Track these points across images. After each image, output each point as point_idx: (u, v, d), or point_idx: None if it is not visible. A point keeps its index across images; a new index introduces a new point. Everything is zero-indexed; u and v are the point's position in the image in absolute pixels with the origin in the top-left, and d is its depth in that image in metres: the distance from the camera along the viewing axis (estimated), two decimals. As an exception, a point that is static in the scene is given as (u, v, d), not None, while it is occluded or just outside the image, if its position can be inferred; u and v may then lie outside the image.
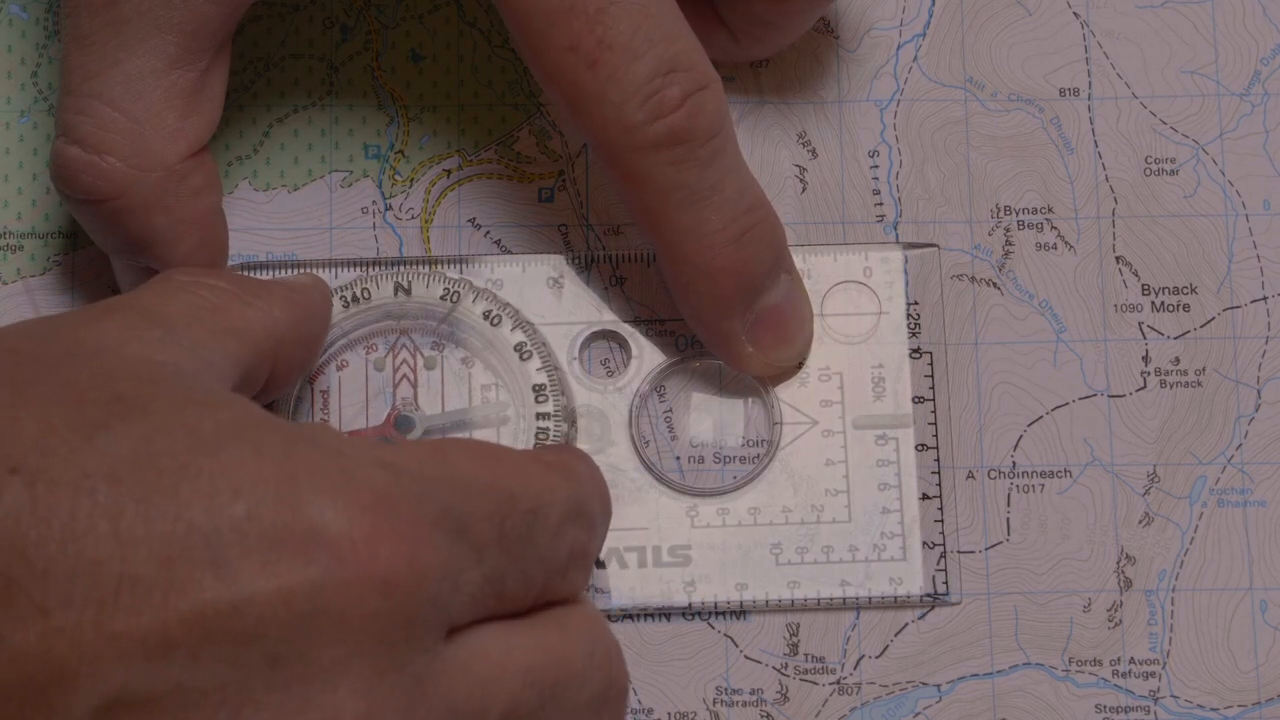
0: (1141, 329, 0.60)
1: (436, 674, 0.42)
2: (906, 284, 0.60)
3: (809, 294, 0.59)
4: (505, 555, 0.44)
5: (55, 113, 0.55)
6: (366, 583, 0.40)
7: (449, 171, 0.60)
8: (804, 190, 0.60)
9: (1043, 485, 0.59)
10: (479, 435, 0.58)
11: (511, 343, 0.57)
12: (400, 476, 0.42)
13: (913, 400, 0.59)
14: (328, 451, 0.42)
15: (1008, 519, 0.59)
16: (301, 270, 0.58)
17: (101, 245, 0.55)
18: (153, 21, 0.52)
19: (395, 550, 0.41)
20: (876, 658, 0.58)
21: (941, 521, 0.58)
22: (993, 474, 0.59)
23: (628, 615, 0.58)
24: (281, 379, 0.52)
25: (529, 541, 0.45)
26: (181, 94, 0.53)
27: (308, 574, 0.40)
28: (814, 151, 0.61)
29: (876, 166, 0.61)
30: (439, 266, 0.59)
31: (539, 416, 0.57)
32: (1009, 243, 0.60)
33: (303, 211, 0.60)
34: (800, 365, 0.58)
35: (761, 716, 0.57)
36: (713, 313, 0.55)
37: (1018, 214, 0.60)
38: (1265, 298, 0.60)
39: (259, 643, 0.39)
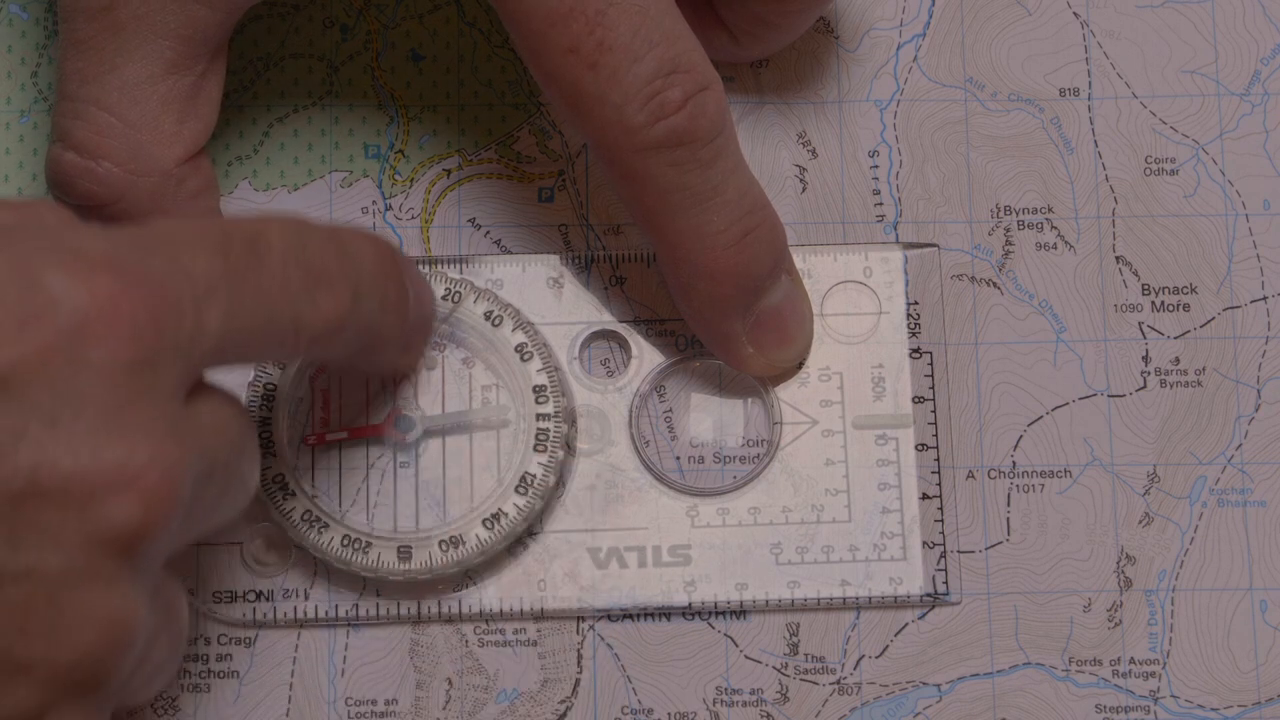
0: (1141, 329, 0.60)
1: (189, 415, 0.44)
2: (906, 284, 0.60)
3: (809, 294, 0.59)
4: (238, 286, 0.45)
5: (52, 117, 0.55)
6: (116, 335, 0.41)
7: (449, 171, 0.60)
8: (804, 190, 0.61)
9: (1043, 485, 0.59)
10: (479, 436, 0.58)
11: (512, 343, 0.57)
12: (121, 242, 0.43)
13: (913, 400, 0.59)
14: (52, 233, 0.42)
15: (1008, 519, 0.59)
16: None
17: None
18: (149, 27, 0.52)
19: (135, 301, 0.42)
20: (876, 658, 0.58)
21: (941, 521, 0.58)
22: (993, 474, 0.59)
23: (628, 615, 0.58)
24: None
25: (258, 269, 0.45)
26: (178, 99, 0.53)
27: (59, 333, 0.41)
28: (814, 151, 0.61)
29: (876, 166, 0.61)
30: (439, 266, 0.59)
31: (539, 417, 0.57)
32: (1009, 243, 0.60)
33: (303, 211, 0.60)
34: (800, 365, 0.59)
35: (761, 716, 0.57)
36: (714, 314, 0.55)
37: (1018, 214, 0.60)
38: (1265, 298, 0.60)
39: (28, 402, 0.40)
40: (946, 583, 0.58)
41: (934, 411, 0.59)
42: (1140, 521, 0.59)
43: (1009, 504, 0.59)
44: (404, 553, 0.56)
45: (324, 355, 0.53)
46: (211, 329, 0.44)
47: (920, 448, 0.59)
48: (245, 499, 0.48)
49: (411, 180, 0.60)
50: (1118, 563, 0.58)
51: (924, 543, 0.58)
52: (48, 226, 0.43)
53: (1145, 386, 0.59)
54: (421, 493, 0.57)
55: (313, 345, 0.48)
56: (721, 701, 0.58)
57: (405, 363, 0.57)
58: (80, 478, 0.40)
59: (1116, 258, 0.60)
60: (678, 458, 0.59)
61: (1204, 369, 0.60)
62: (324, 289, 0.48)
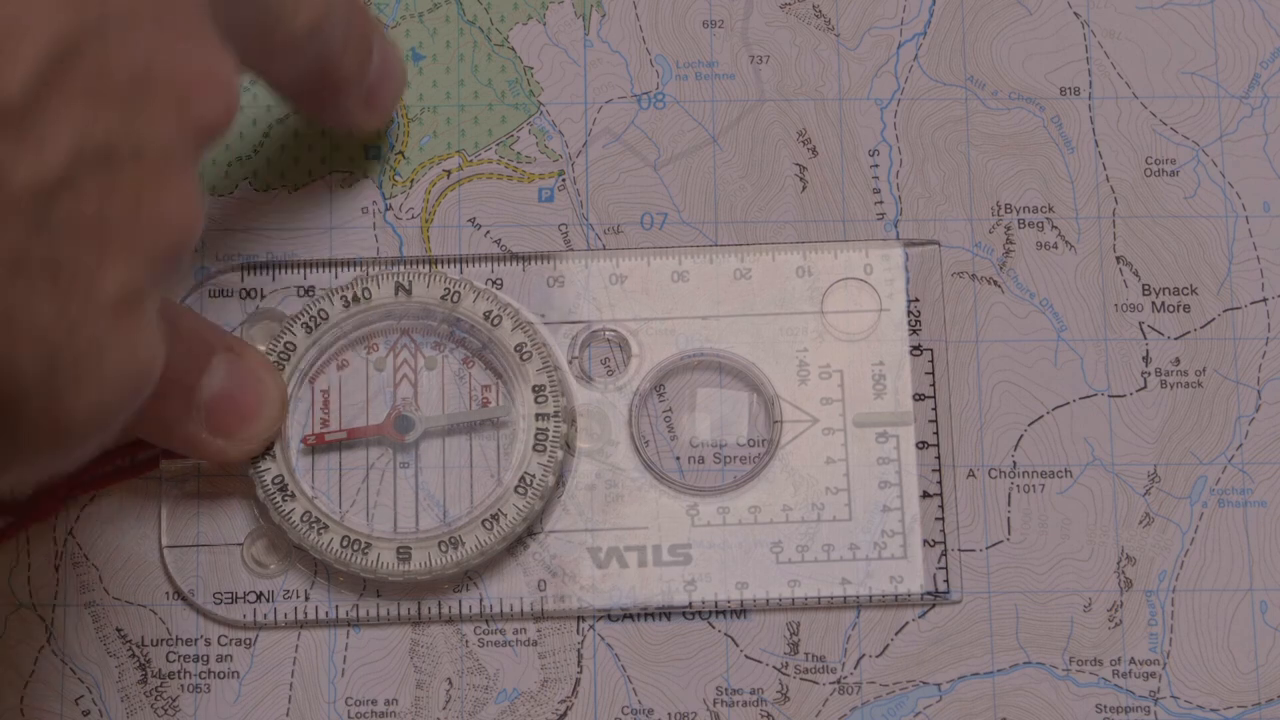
0: (1142, 329, 0.60)
1: None
2: (907, 281, 0.60)
3: (811, 291, 0.59)
4: None
5: None
6: None
7: (449, 172, 0.60)
8: (804, 188, 0.60)
9: (1043, 485, 0.59)
10: (478, 436, 0.58)
11: (512, 343, 0.57)
12: None
13: (913, 398, 0.59)
14: None
15: (1008, 518, 0.59)
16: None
17: None
18: None
19: None
20: (877, 657, 0.58)
21: (942, 520, 0.58)
22: (993, 473, 0.59)
23: (628, 615, 0.58)
24: None
25: None
26: None
27: None
28: (814, 150, 0.61)
29: (877, 165, 0.61)
30: (439, 266, 0.59)
31: (539, 417, 0.57)
32: (1009, 241, 0.60)
33: (303, 211, 0.60)
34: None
35: (761, 716, 0.58)
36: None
37: (1018, 212, 0.60)
38: (1265, 299, 0.60)
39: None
40: (947, 581, 0.58)
41: (935, 409, 0.59)
42: (1140, 521, 0.59)
43: (1009, 503, 0.59)
44: (404, 553, 0.56)
45: (287, 72, 0.53)
46: None
47: (921, 446, 0.58)
48: None
49: (411, 181, 0.60)
50: (1118, 563, 0.58)
51: (925, 541, 0.58)
52: None
53: (1146, 387, 0.59)
54: (421, 493, 0.58)
55: (283, 48, 0.50)
56: (721, 701, 0.58)
57: (367, 119, 0.58)
58: (185, 72, 0.43)
59: (1117, 258, 0.60)
60: (678, 457, 0.59)
61: (1204, 369, 0.60)
62: None
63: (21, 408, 0.42)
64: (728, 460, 0.59)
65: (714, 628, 0.58)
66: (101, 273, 0.42)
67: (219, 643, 0.58)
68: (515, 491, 0.56)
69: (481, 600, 0.57)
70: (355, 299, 0.58)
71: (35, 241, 0.41)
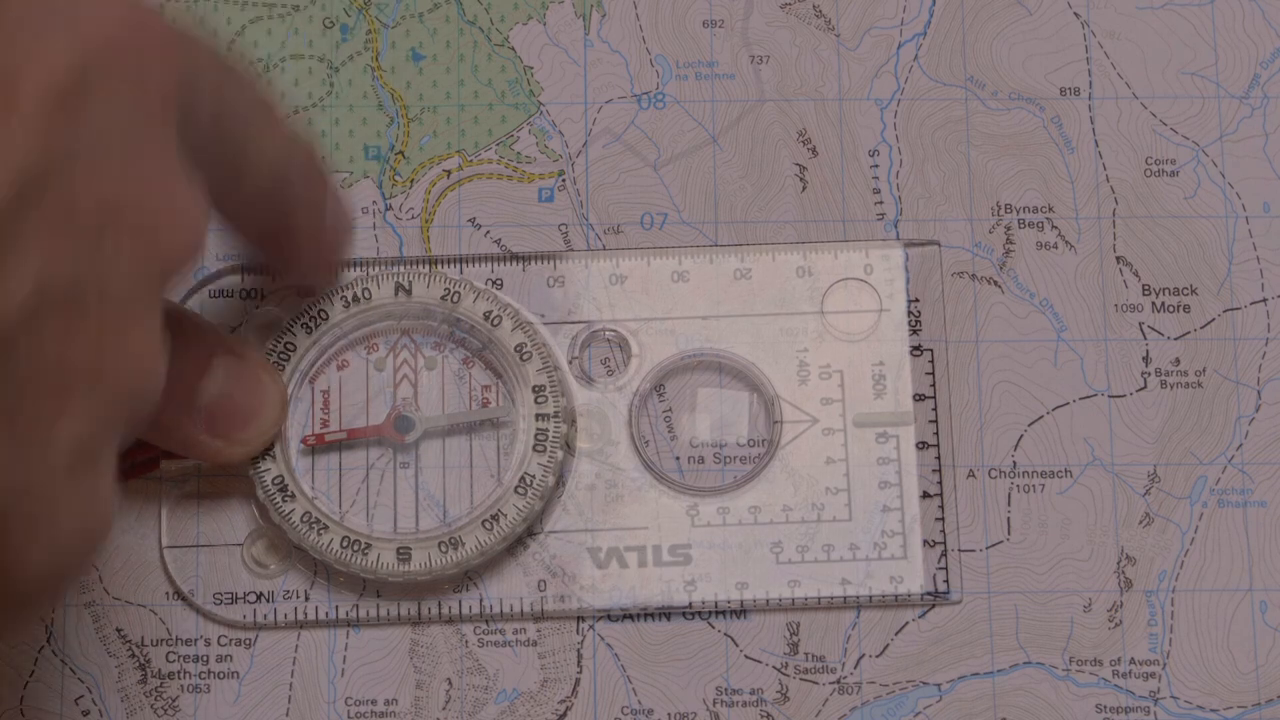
0: (1142, 329, 0.60)
1: None
2: (907, 281, 0.59)
3: (810, 292, 0.59)
4: (226, 73, 0.46)
5: None
6: (165, 58, 0.43)
7: (449, 172, 0.60)
8: (804, 189, 0.60)
9: (1043, 485, 0.59)
10: (478, 437, 0.58)
11: (512, 344, 0.57)
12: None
13: (913, 398, 0.59)
14: None
15: (1008, 518, 0.59)
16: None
17: None
18: None
19: (170, 34, 0.43)
20: (877, 657, 0.58)
21: (942, 520, 0.58)
22: (993, 473, 0.59)
23: (628, 615, 0.58)
24: None
25: (233, 69, 0.47)
26: None
27: (128, 31, 0.42)
28: (814, 150, 0.61)
29: (877, 165, 0.61)
30: (439, 266, 0.59)
31: (539, 418, 0.57)
32: (1010, 241, 0.60)
33: (303, 212, 0.60)
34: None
35: (761, 716, 0.58)
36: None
37: (1018, 212, 0.60)
38: (1265, 299, 0.60)
39: (106, 115, 0.41)
40: (947, 582, 0.58)
41: (935, 410, 0.59)
42: (1140, 522, 0.59)
43: (1009, 503, 0.59)
44: (403, 554, 0.56)
45: (246, 218, 0.51)
46: (204, 103, 0.44)
47: (921, 446, 0.58)
48: None
49: (411, 181, 0.60)
50: (1118, 563, 0.58)
51: (925, 541, 0.58)
52: None
53: (1145, 387, 0.59)
54: (421, 494, 0.58)
55: (246, 193, 0.49)
56: (721, 701, 0.58)
57: (316, 276, 0.57)
58: (152, 205, 0.42)
59: (1117, 258, 0.60)
60: (678, 457, 0.59)
61: (1204, 370, 0.60)
62: (273, 129, 0.48)
63: None
64: (728, 460, 0.59)
65: (714, 628, 0.58)
66: (59, 424, 0.40)
67: (219, 643, 0.58)
68: (515, 492, 0.56)
69: (481, 600, 0.57)
70: (355, 299, 0.58)
71: None
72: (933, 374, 0.59)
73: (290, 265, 0.56)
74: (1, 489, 0.39)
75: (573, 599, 0.58)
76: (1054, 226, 0.60)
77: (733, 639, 0.58)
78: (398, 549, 0.56)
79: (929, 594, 0.58)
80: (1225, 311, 0.60)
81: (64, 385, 0.40)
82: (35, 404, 0.40)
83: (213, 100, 0.45)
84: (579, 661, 0.58)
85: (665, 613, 0.58)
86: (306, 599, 0.57)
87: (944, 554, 0.58)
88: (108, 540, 0.43)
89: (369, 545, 0.56)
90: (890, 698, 0.58)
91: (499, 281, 0.59)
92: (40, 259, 0.39)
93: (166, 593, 0.58)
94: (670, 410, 0.59)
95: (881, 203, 0.60)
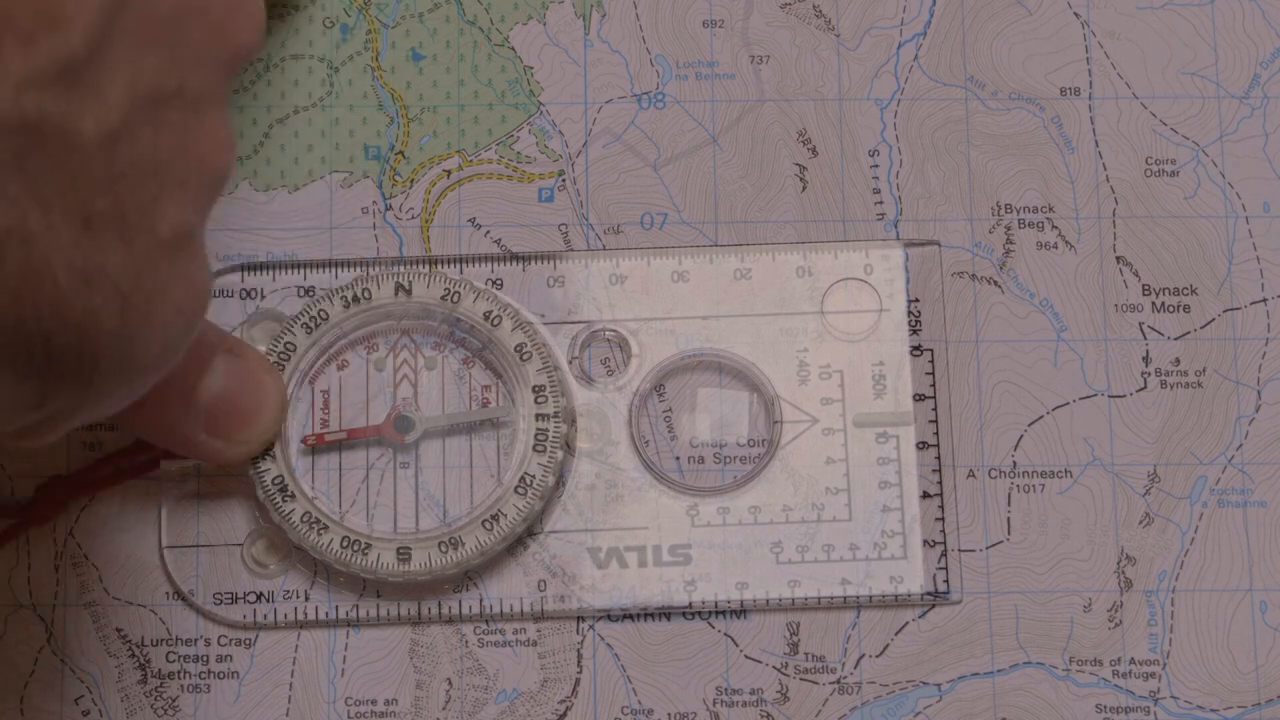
0: (1142, 329, 0.60)
1: None
2: (907, 281, 0.59)
3: (810, 292, 0.59)
4: None
5: None
6: None
7: (449, 172, 0.60)
8: (804, 189, 0.60)
9: (1043, 485, 0.59)
10: (478, 437, 0.58)
11: (511, 344, 0.57)
12: None
13: (914, 398, 0.59)
14: None
15: (1008, 518, 0.59)
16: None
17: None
18: None
19: None
20: (877, 657, 0.58)
21: (942, 520, 0.58)
22: (993, 473, 0.59)
23: (628, 615, 0.58)
24: None
25: None
26: None
27: None
28: (814, 150, 0.61)
29: (877, 165, 0.61)
30: (439, 266, 0.59)
31: (539, 418, 0.57)
32: (1010, 241, 0.60)
33: (303, 212, 0.60)
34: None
35: (761, 716, 0.58)
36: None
37: (1018, 212, 0.60)
38: (1265, 299, 0.60)
39: None
40: (947, 582, 0.58)
41: (935, 410, 0.59)
42: (1140, 522, 0.59)
43: (1009, 503, 0.59)
44: (403, 554, 0.56)
45: None
46: None
47: (921, 446, 0.58)
48: None
49: (411, 181, 0.60)
50: (1118, 563, 0.58)
51: (925, 541, 0.58)
52: None
53: (1145, 387, 0.59)
54: (421, 494, 0.58)
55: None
56: (721, 701, 0.58)
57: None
58: (222, 6, 0.45)
59: (1117, 258, 0.60)
60: (678, 457, 0.59)
61: (1204, 370, 0.60)
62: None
63: (99, 353, 0.43)
64: (728, 460, 0.59)
65: (714, 628, 0.58)
66: (158, 215, 0.43)
67: (219, 643, 0.58)
68: (515, 492, 0.56)
69: (481, 600, 0.57)
70: (355, 299, 0.58)
71: (103, 194, 0.42)
72: (933, 374, 0.59)
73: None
74: (121, 272, 0.42)
75: (573, 599, 0.58)
76: (1054, 226, 0.60)
77: (733, 639, 0.58)
78: (398, 549, 0.56)
79: (929, 594, 0.58)
80: (1225, 311, 0.60)
81: (159, 179, 0.43)
82: (139, 195, 0.43)
83: None
84: (579, 661, 0.58)
85: (665, 613, 0.58)
86: (306, 599, 0.57)
87: (944, 554, 0.58)
88: (208, 305, 0.46)
89: (369, 545, 0.56)
90: (890, 698, 0.58)
91: (499, 281, 0.59)
92: (131, 67, 0.42)
93: (166, 593, 0.58)
94: (670, 410, 0.59)
95: (881, 203, 0.60)
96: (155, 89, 0.43)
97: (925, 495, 0.58)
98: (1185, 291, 0.60)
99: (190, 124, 0.44)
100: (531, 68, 0.61)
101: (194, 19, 0.44)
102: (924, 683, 0.58)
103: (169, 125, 0.43)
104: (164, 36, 0.43)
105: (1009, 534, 0.59)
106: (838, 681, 0.58)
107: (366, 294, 0.57)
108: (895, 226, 0.60)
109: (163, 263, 0.44)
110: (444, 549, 0.56)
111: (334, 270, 0.59)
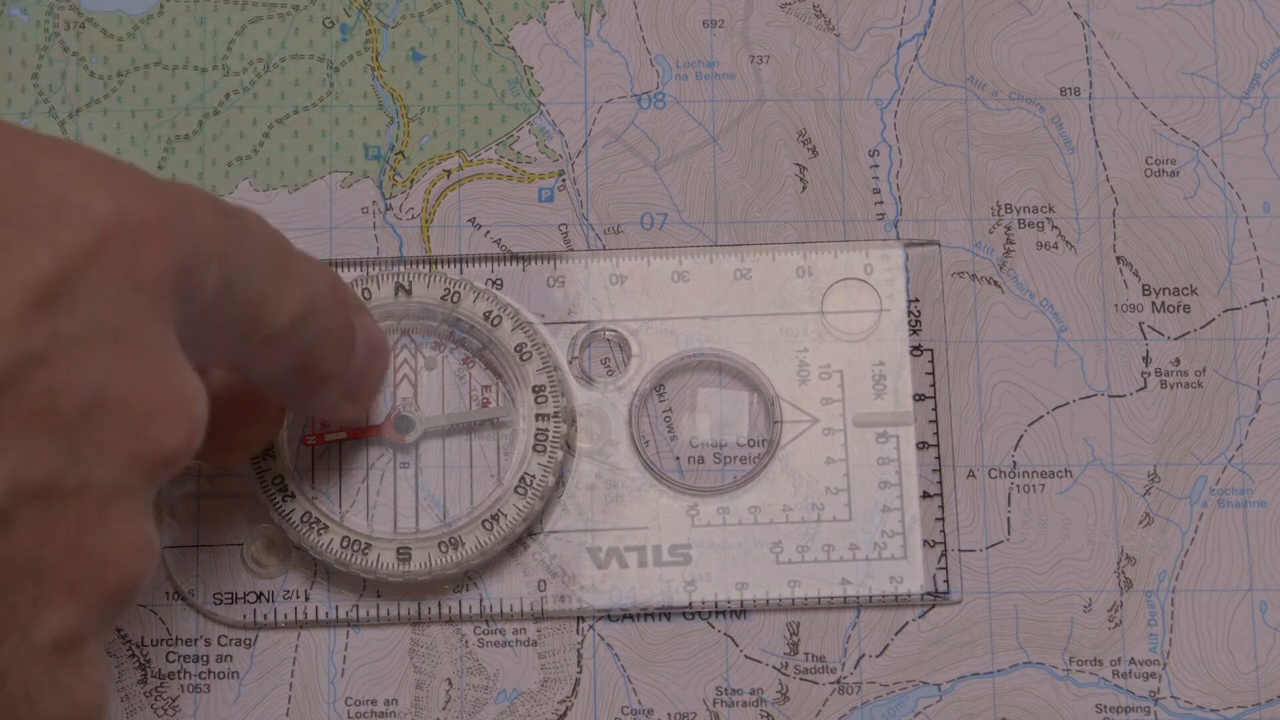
0: (1142, 329, 0.60)
1: None
2: (907, 281, 0.59)
3: (810, 292, 0.59)
4: (232, 250, 0.45)
5: None
6: (162, 250, 0.41)
7: (449, 172, 0.60)
8: (804, 189, 0.60)
9: (1043, 485, 0.59)
10: (478, 437, 0.58)
11: (512, 344, 0.57)
12: (143, 176, 0.43)
13: (914, 398, 0.59)
14: (83, 154, 0.42)
15: (1008, 518, 0.59)
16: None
17: None
18: None
19: (169, 224, 0.42)
20: (877, 657, 0.58)
21: (942, 520, 0.58)
22: (993, 473, 0.59)
23: (628, 615, 0.58)
24: None
25: (243, 240, 0.45)
26: None
27: (113, 236, 0.40)
28: (814, 150, 0.61)
29: (877, 165, 0.61)
30: (439, 266, 0.59)
31: (539, 418, 0.57)
32: (1010, 241, 0.60)
33: (303, 211, 0.60)
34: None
35: (761, 716, 0.58)
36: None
37: (1018, 212, 0.60)
38: (1265, 299, 0.60)
39: (91, 311, 0.40)
40: (947, 582, 0.58)
41: (935, 410, 0.59)
42: (1140, 522, 0.59)
43: (1009, 503, 0.59)
44: (403, 554, 0.56)
45: (267, 370, 0.50)
46: (211, 275, 0.44)
47: (921, 446, 0.58)
48: None
49: (411, 181, 0.60)
50: (1118, 563, 0.58)
51: (925, 541, 0.58)
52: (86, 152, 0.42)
53: (1145, 387, 0.59)
54: (421, 494, 0.58)
55: (265, 346, 0.47)
56: (721, 701, 0.58)
57: (349, 413, 0.55)
58: (142, 397, 0.41)
59: (1117, 258, 0.60)
60: (678, 457, 0.59)
61: (1204, 370, 0.60)
62: (289, 283, 0.47)
63: None
64: (728, 460, 0.59)
65: (714, 628, 0.58)
66: (39, 615, 0.40)
67: (219, 643, 0.58)
68: (515, 492, 0.56)
69: (481, 600, 0.57)
70: (355, 299, 0.58)
71: None
72: (933, 374, 0.59)
73: (316, 402, 0.54)
74: None
75: (573, 599, 0.58)
76: (1054, 226, 0.60)
77: (733, 639, 0.58)
78: (398, 549, 0.56)
79: (929, 594, 0.58)
80: (1225, 311, 0.60)
81: (42, 578, 0.40)
82: (13, 595, 0.40)
83: (220, 269, 0.44)
84: (579, 661, 0.58)
85: (665, 613, 0.58)
86: (306, 599, 0.57)
87: (944, 554, 0.58)
88: None
89: (369, 545, 0.56)
90: (890, 698, 0.58)
91: (499, 281, 0.59)
92: (15, 455, 0.39)
93: (166, 593, 0.58)
94: (670, 410, 0.59)
95: (881, 203, 0.60)
96: (46, 482, 0.39)
97: (925, 495, 0.58)
98: (1185, 291, 0.60)
99: (92, 524, 0.40)
100: (531, 68, 0.61)
101: (108, 415, 0.40)
102: (924, 683, 0.58)
103: (62, 523, 0.40)
104: (65, 429, 0.40)
105: (1009, 534, 0.59)
106: (838, 681, 0.58)
107: (366, 294, 0.57)
108: (895, 226, 0.60)
109: (37, 669, 0.40)
110: (444, 549, 0.56)
111: (334, 270, 0.59)
